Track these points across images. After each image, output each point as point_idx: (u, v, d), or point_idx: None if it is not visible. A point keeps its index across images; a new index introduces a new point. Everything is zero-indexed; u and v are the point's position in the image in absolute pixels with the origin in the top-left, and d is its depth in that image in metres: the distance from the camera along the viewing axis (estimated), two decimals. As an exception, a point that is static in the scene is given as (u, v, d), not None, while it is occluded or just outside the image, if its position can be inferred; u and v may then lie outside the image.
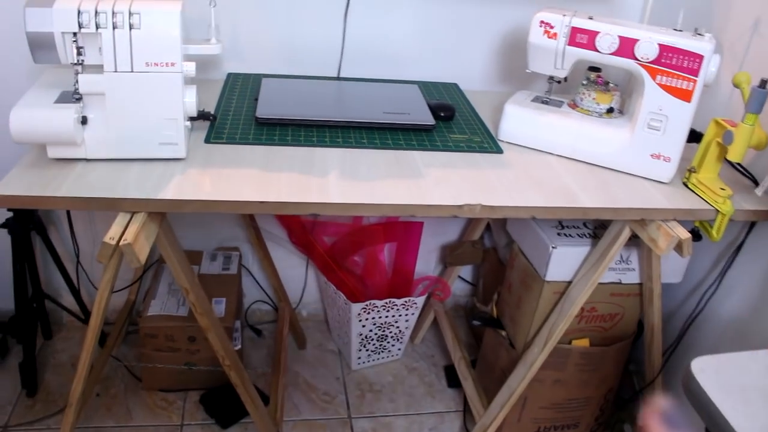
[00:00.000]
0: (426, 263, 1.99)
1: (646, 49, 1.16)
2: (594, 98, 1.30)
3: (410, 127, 1.33)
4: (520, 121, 1.31)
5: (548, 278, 1.32)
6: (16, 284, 1.55)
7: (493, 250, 1.75)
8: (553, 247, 1.30)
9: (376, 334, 1.79)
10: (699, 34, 1.14)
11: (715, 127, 1.15)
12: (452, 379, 1.81)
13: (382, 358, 1.87)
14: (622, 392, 1.63)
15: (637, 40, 1.16)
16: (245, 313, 1.97)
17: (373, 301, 1.70)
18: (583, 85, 1.33)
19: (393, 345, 1.85)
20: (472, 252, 1.80)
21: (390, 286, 1.79)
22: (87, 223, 1.73)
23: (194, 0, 1.33)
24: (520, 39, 1.63)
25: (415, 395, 1.78)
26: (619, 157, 1.24)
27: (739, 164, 1.31)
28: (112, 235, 0.94)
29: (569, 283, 1.32)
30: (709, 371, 0.83)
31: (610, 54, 1.20)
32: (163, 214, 1.06)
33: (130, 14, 1.01)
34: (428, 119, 1.34)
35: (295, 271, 1.95)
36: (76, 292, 1.71)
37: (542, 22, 1.25)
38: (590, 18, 1.22)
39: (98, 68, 1.04)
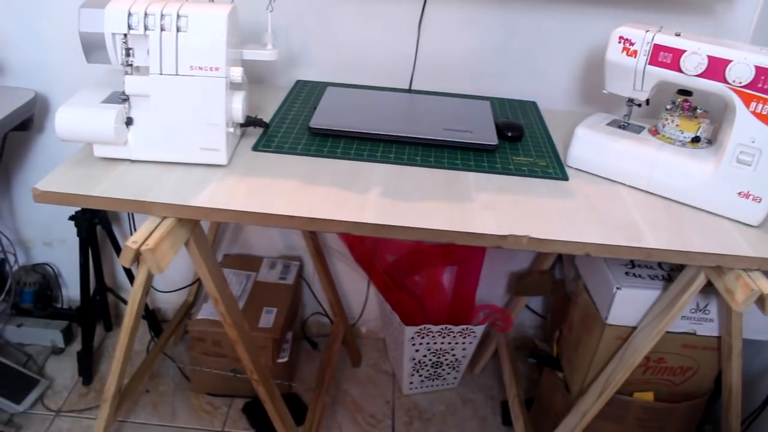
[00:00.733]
0: (494, 290, 1.88)
1: (740, 72, 1.01)
2: (677, 125, 1.16)
3: (470, 146, 1.24)
4: (591, 145, 1.19)
5: (610, 321, 1.19)
6: (81, 276, 1.61)
7: (562, 282, 1.62)
8: (617, 288, 1.17)
9: (430, 359, 1.70)
10: (806, 56, 0.99)
11: (819, 166, 0.99)
12: (508, 416, 1.69)
13: (436, 385, 1.78)
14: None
15: (729, 61, 1.02)
16: (304, 325, 1.94)
17: (428, 326, 1.62)
18: (666, 110, 1.19)
19: (448, 373, 1.76)
20: (540, 282, 1.68)
21: (449, 311, 1.70)
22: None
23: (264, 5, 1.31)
24: (607, 56, 1.50)
25: (466, 428, 1.67)
26: (701, 194, 1.09)
27: None
28: (135, 239, 0.93)
29: (634, 328, 1.18)
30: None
31: (696, 76, 1.06)
32: (195, 221, 1.04)
33: (178, 17, 1.00)
34: (491, 138, 1.24)
35: (357, 286, 1.90)
36: (138, 288, 1.74)
37: (621, 38, 1.13)
38: (677, 35, 1.08)
39: (147, 70, 1.03)
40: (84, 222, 1.55)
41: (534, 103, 1.54)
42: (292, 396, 1.70)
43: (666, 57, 1.08)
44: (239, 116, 1.11)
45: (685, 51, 1.06)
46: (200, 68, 1.02)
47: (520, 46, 1.51)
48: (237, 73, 1.07)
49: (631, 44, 1.12)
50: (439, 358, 1.70)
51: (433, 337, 1.64)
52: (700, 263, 0.99)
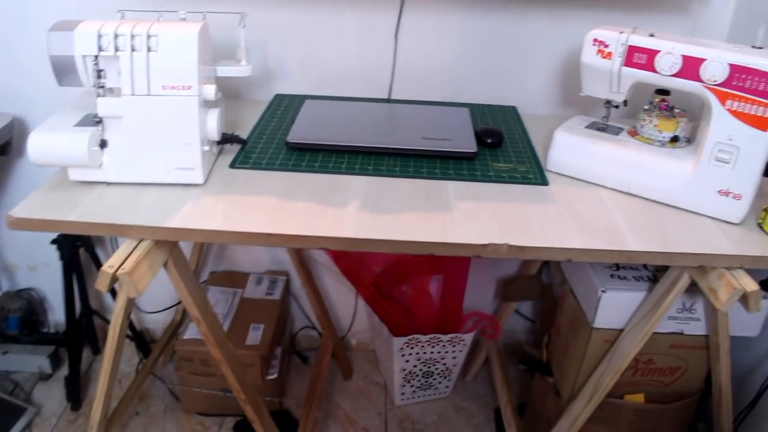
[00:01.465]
0: (482, 297, 1.87)
1: (714, 70, 1.01)
2: (656, 125, 1.16)
3: (449, 155, 1.23)
4: (570, 149, 1.18)
5: (596, 325, 1.19)
6: (65, 300, 1.59)
7: (549, 287, 1.61)
8: (602, 291, 1.16)
9: (421, 369, 1.69)
10: (780, 52, 0.99)
11: (797, 161, 0.99)
12: (501, 424, 1.67)
13: (429, 395, 1.77)
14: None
15: (703, 60, 1.02)
16: (293, 339, 1.92)
17: (417, 336, 1.60)
18: (644, 110, 1.19)
19: (440, 382, 1.75)
20: (528, 287, 1.67)
21: (438, 320, 1.69)
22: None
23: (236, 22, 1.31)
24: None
25: (460, 438, 1.66)
26: (681, 193, 1.09)
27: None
28: (111, 263, 0.91)
29: (621, 331, 1.17)
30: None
31: (671, 75, 1.06)
32: (173, 242, 1.03)
33: (149, 37, 1.00)
34: (470, 146, 1.24)
35: (346, 299, 1.89)
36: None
37: (596, 40, 1.13)
38: (651, 35, 1.08)
39: (119, 91, 1.02)
40: (66, 245, 1.53)
41: (514, 108, 1.53)
42: (284, 413, 1.68)
43: (641, 58, 1.08)
44: (214, 134, 1.10)
45: (659, 51, 1.05)
46: (172, 87, 1.02)
47: (498, 52, 1.51)
48: (210, 91, 1.06)
49: (606, 46, 1.12)
50: (429, 367, 1.69)
51: (423, 346, 1.63)
52: (683, 264, 0.98)
